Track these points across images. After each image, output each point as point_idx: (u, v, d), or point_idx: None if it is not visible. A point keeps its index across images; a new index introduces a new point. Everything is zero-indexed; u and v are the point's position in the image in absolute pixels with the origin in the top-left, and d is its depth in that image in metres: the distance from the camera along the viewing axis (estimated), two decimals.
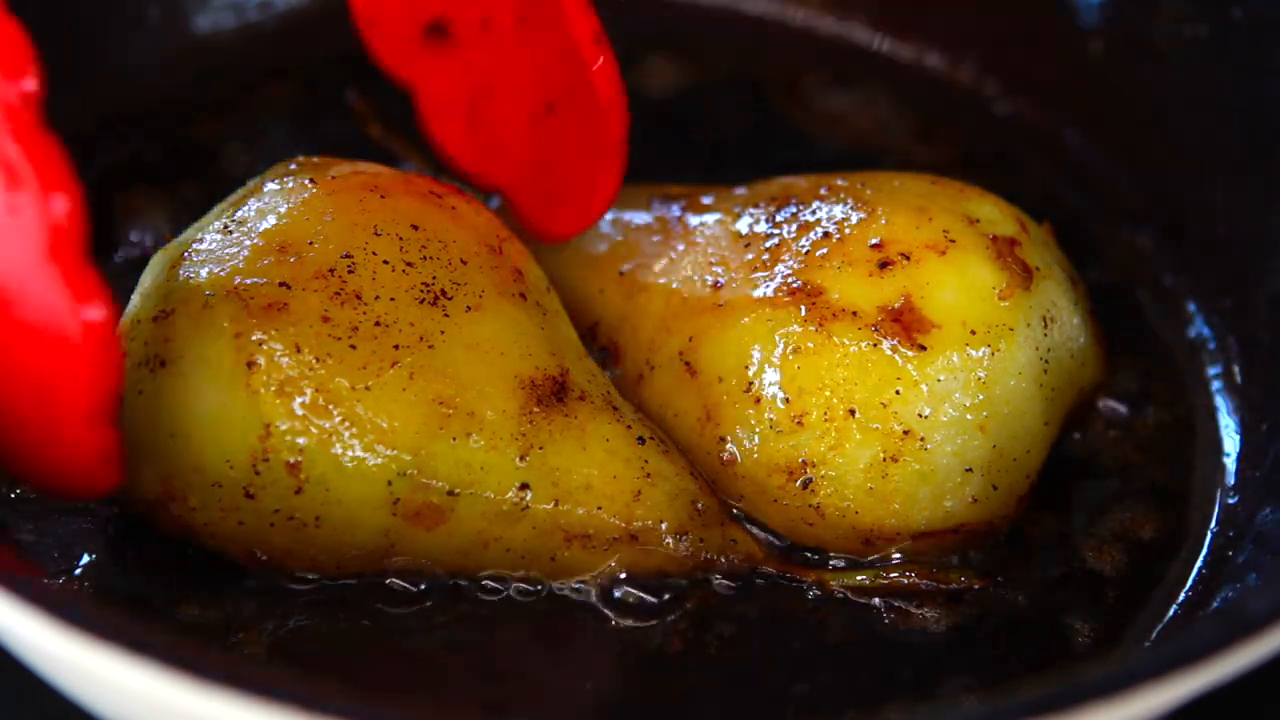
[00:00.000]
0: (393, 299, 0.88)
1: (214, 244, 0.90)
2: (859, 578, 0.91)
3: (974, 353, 0.90)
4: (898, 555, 0.92)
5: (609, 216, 1.00)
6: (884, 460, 0.89)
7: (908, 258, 0.91)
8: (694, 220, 0.98)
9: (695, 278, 0.95)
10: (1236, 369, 1.03)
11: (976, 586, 0.91)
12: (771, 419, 0.90)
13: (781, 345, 0.90)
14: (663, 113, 1.18)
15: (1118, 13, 1.14)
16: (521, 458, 0.88)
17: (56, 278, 0.78)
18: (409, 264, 0.89)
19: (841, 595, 0.91)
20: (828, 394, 0.89)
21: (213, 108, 1.16)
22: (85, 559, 0.90)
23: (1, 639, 0.86)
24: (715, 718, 0.88)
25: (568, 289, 0.99)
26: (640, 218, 0.99)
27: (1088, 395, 0.97)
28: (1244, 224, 1.06)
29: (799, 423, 0.90)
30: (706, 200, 0.99)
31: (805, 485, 0.90)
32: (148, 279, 0.91)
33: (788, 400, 0.90)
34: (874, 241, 0.92)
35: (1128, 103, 1.13)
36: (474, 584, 0.90)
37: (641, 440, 0.91)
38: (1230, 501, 0.97)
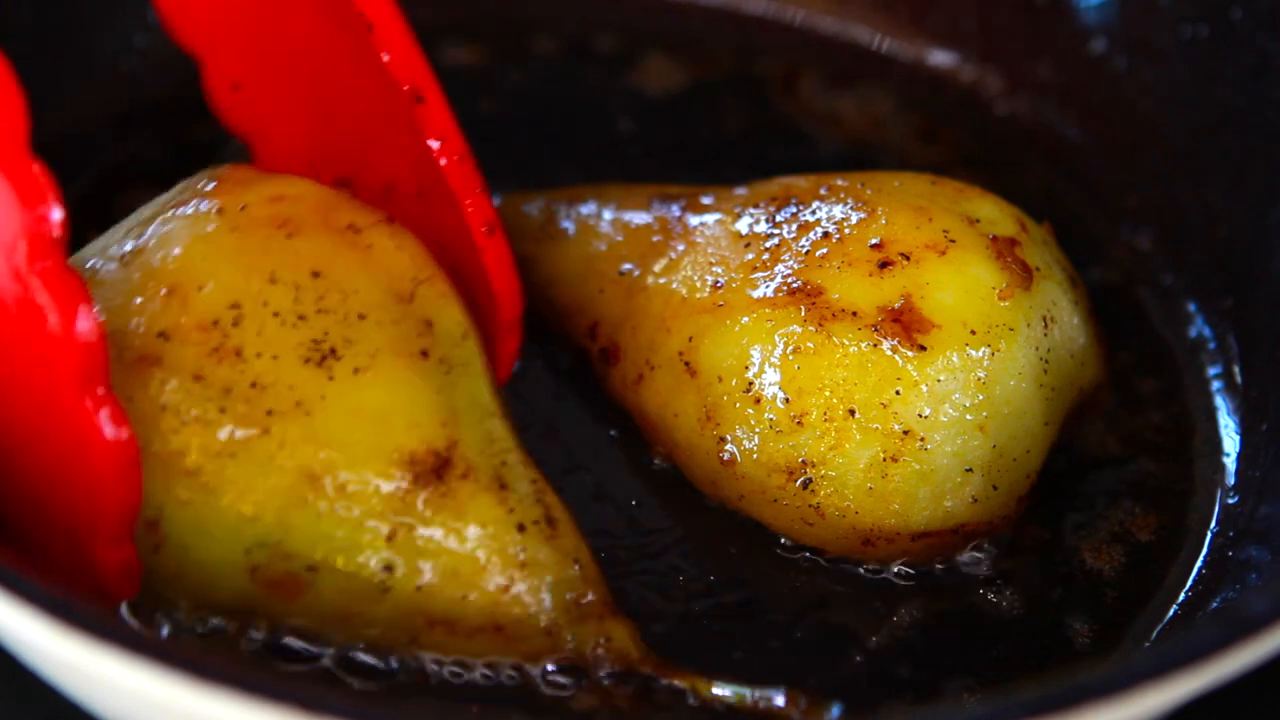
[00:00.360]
0: (275, 357, 0.84)
1: (107, 274, 0.87)
2: (729, 692, 0.87)
3: (974, 353, 0.90)
4: (899, 563, 0.92)
5: (609, 216, 1.00)
6: (884, 460, 0.89)
7: (908, 258, 0.91)
8: (694, 220, 0.97)
9: (695, 278, 0.95)
10: (1236, 369, 1.03)
11: None
12: (771, 419, 0.90)
13: (781, 345, 0.90)
14: (663, 113, 1.18)
15: (1118, 13, 1.14)
16: (390, 537, 0.84)
17: (83, 402, 0.78)
18: (300, 317, 0.85)
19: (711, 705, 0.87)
20: (828, 394, 0.89)
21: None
22: None
23: (1, 639, 0.86)
24: (713, 716, 0.88)
25: (568, 289, 0.99)
26: (640, 218, 0.99)
27: (1088, 395, 0.97)
28: (1244, 224, 1.05)
29: (799, 423, 0.90)
30: (706, 200, 0.99)
31: (805, 485, 0.90)
32: None
33: (788, 400, 0.90)
34: (874, 241, 0.92)
35: (1128, 103, 1.13)
36: None
37: (522, 527, 0.86)
38: (1230, 501, 0.97)
